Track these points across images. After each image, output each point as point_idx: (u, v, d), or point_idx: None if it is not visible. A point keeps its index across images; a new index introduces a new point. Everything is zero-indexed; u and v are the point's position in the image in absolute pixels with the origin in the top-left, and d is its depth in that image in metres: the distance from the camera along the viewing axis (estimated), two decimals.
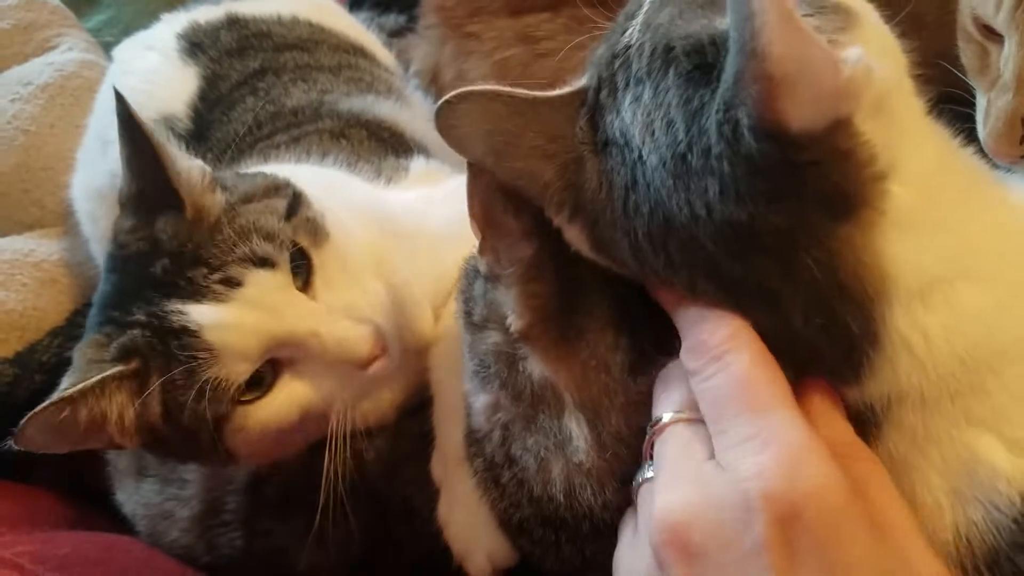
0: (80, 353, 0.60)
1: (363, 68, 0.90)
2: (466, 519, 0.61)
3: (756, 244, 0.41)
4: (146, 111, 0.84)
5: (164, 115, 0.83)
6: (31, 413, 0.55)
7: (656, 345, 0.48)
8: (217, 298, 0.56)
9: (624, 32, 0.46)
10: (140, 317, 0.57)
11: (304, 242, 0.60)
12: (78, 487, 0.85)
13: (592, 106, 0.47)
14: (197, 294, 0.57)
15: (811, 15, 0.41)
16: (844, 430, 0.43)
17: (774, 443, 0.39)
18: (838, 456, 0.39)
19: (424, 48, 0.92)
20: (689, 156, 0.42)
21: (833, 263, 0.41)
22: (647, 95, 0.43)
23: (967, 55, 0.57)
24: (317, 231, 0.61)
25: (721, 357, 0.42)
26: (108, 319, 0.59)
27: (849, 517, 0.38)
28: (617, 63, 0.46)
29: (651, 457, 0.45)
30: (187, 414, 0.56)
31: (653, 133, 0.43)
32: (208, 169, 0.62)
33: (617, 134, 0.45)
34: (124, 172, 0.61)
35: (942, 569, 0.41)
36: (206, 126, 0.82)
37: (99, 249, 0.90)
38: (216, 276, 0.57)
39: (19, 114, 0.98)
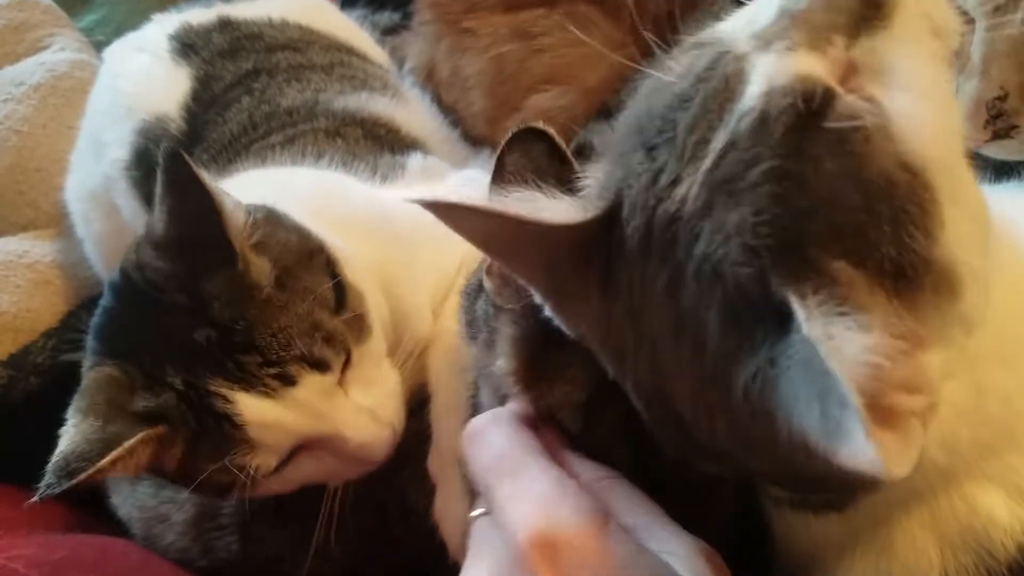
0: (95, 382, 0.58)
1: (356, 66, 0.90)
2: (461, 515, 0.61)
3: None
4: (138, 112, 0.84)
5: (156, 116, 0.83)
6: (68, 478, 0.55)
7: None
8: (268, 393, 0.56)
9: (675, 181, 0.36)
10: (176, 383, 0.56)
11: (351, 341, 0.60)
12: (75, 490, 0.85)
13: (606, 246, 0.39)
14: (247, 383, 0.56)
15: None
16: (593, 466, 0.47)
17: (529, 497, 0.44)
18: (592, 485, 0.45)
19: (419, 45, 0.91)
20: (716, 380, 0.36)
21: None
22: (686, 297, 0.36)
23: None
24: (362, 329, 0.62)
25: (480, 439, 0.48)
26: (129, 357, 0.58)
27: (601, 535, 0.42)
28: (657, 226, 0.37)
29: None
30: (206, 481, 0.57)
31: (679, 341, 0.37)
32: (245, 208, 0.60)
33: (635, 302, 0.38)
34: (161, 214, 0.58)
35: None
36: (201, 126, 0.82)
37: (93, 250, 0.90)
38: (272, 371, 0.57)
39: (11, 114, 0.98)
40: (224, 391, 0.56)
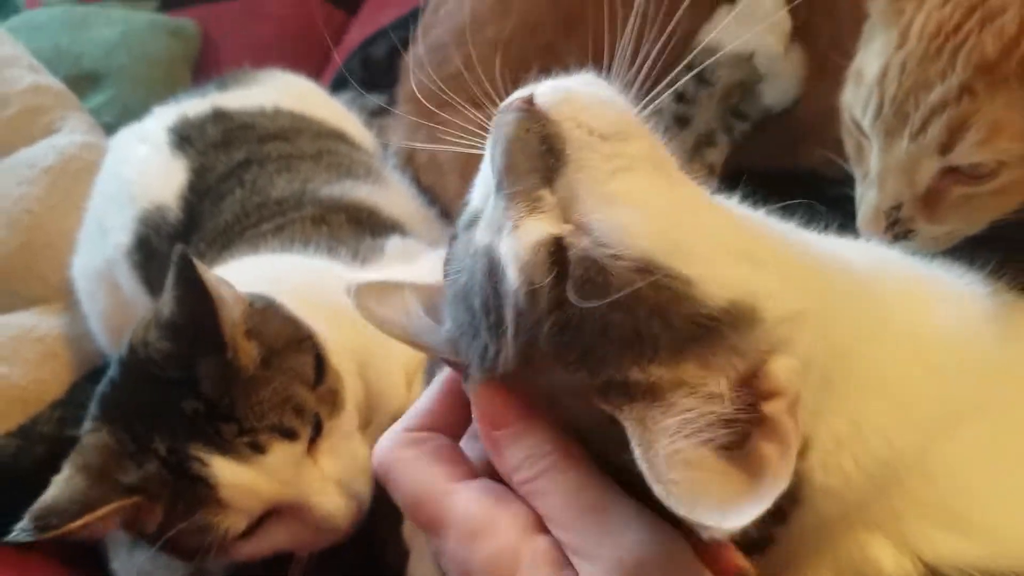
0: (90, 445, 0.65)
1: (342, 153, 0.96)
2: None
3: None
4: (139, 200, 0.90)
5: (156, 205, 0.89)
6: (42, 530, 0.63)
7: None
8: (239, 458, 0.63)
9: (496, 353, 0.41)
10: (160, 450, 0.63)
11: (323, 413, 0.67)
12: (77, 555, 0.89)
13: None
14: (223, 448, 0.63)
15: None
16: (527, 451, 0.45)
17: (442, 531, 0.43)
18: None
19: (400, 131, 0.98)
20: None
21: None
22: None
23: (848, 146, 0.62)
24: (336, 403, 0.68)
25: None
26: (123, 425, 0.65)
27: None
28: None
29: None
30: (180, 542, 0.63)
31: None
32: (240, 297, 0.68)
33: None
34: (168, 301, 0.66)
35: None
36: (197, 216, 0.88)
37: (98, 324, 0.96)
38: (245, 439, 0.63)
39: (25, 196, 1.04)
40: (202, 455, 0.62)
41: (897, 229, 0.58)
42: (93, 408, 0.69)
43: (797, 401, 0.38)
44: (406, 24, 1.18)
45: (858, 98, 0.58)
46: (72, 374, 0.95)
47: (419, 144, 0.87)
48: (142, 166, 0.92)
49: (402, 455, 0.45)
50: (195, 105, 0.97)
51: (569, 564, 0.39)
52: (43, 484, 0.88)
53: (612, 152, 0.41)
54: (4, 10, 1.62)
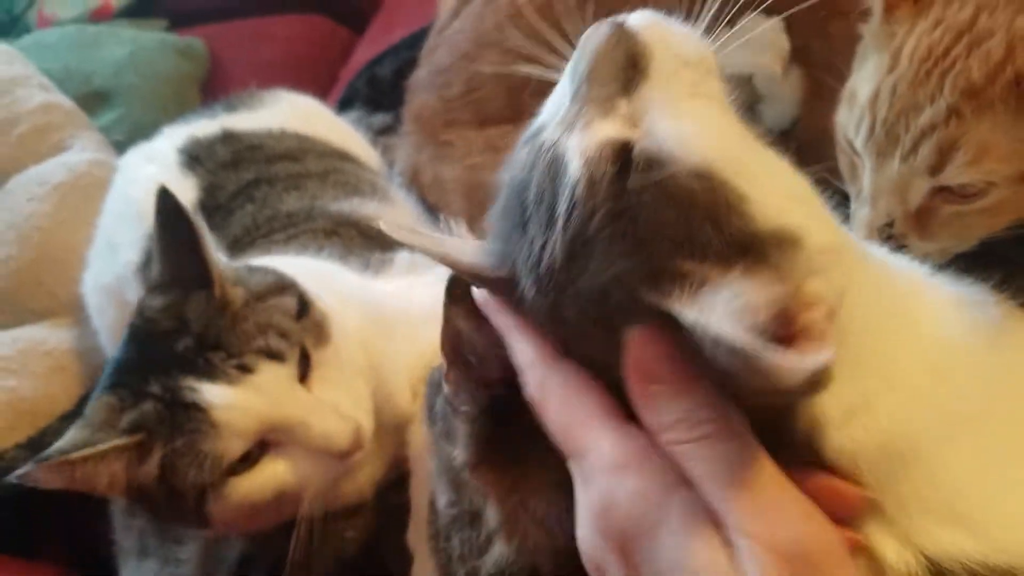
0: (93, 410, 0.66)
1: (348, 172, 0.97)
2: None
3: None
4: (149, 218, 0.91)
5: None
6: (39, 461, 0.62)
7: None
8: (229, 380, 0.64)
9: (543, 245, 0.42)
10: (155, 389, 0.64)
11: (309, 343, 0.67)
12: (84, 563, 0.91)
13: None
14: (212, 374, 0.64)
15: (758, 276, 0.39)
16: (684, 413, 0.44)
17: (593, 478, 0.43)
18: (666, 443, 0.41)
19: (405, 151, 1.00)
20: None
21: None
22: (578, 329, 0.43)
23: (842, 164, 0.63)
24: (320, 334, 0.68)
25: (543, 405, 0.45)
26: (124, 383, 0.66)
27: (664, 525, 0.40)
28: (542, 282, 0.43)
29: None
30: (180, 478, 0.62)
31: None
32: (228, 262, 0.70)
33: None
34: (159, 259, 0.68)
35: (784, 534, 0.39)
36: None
37: (107, 339, 0.97)
38: (232, 361, 0.64)
39: (35, 212, 1.06)
40: (193, 384, 0.63)
41: (891, 244, 0.59)
42: (99, 385, 0.70)
43: (833, 313, 0.39)
44: (412, 44, 1.21)
45: (851, 119, 0.60)
46: (81, 387, 0.96)
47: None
48: (151, 185, 0.93)
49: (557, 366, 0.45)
50: (204, 126, 0.99)
51: (713, 525, 0.39)
52: (51, 497, 0.90)
53: (692, 79, 0.44)
54: (15, 30, 1.64)
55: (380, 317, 0.77)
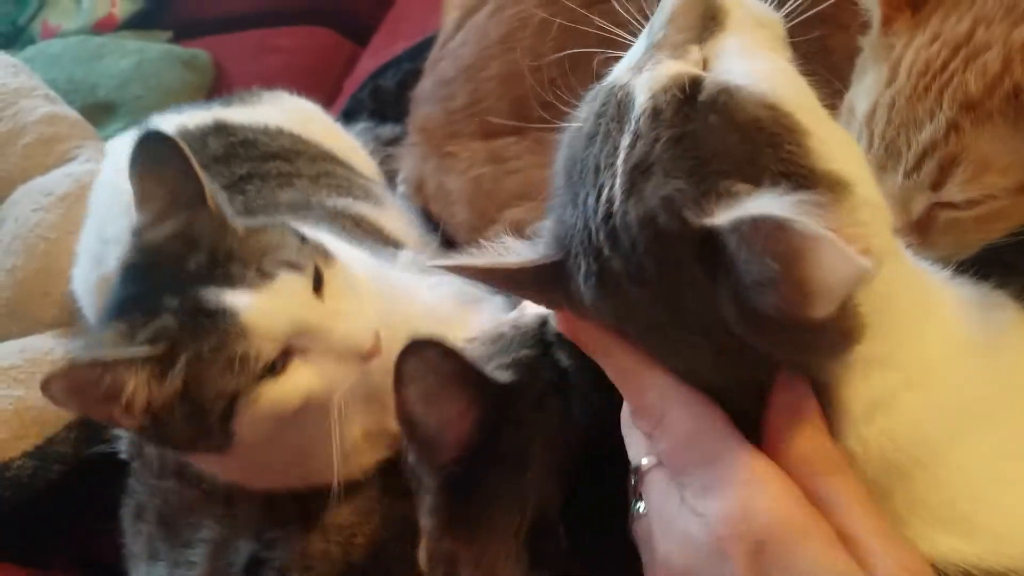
0: (99, 338, 0.65)
1: (340, 175, 0.97)
2: None
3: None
4: None
5: None
6: (64, 367, 0.61)
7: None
8: (252, 286, 0.64)
9: (599, 194, 0.43)
10: (172, 304, 0.63)
11: (319, 261, 0.69)
12: (91, 572, 0.91)
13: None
14: (232, 282, 0.64)
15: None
16: (812, 444, 0.44)
17: (728, 486, 0.43)
18: (805, 474, 0.43)
19: (410, 161, 1.01)
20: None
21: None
22: (639, 274, 0.43)
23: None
24: (327, 255, 0.70)
25: (661, 420, 0.45)
26: (130, 310, 0.65)
27: (808, 537, 0.42)
28: (596, 237, 0.44)
29: (639, 495, 0.49)
30: (208, 387, 0.62)
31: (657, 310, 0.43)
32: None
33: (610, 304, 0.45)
34: (148, 196, 0.69)
35: (913, 561, 0.42)
36: None
37: None
38: (252, 269, 0.64)
39: (40, 223, 1.06)
40: (214, 294, 0.63)
41: None
42: (97, 325, 0.70)
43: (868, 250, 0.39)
44: (414, 56, 1.22)
45: (850, 132, 0.60)
46: None
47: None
48: None
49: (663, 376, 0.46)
50: (196, 116, 0.97)
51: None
52: (59, 504, 0.91)
53: (766, 37, 0.47)
54: (20, 41, 1.65)
55: (388, 285, 0.78)
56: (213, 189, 0.69)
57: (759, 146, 0.41)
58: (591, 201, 0.44)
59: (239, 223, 0.69)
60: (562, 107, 0.83)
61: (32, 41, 1.63)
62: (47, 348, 0.99)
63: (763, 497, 0.42)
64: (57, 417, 0.93)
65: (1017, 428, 0.48)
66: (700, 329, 0.43)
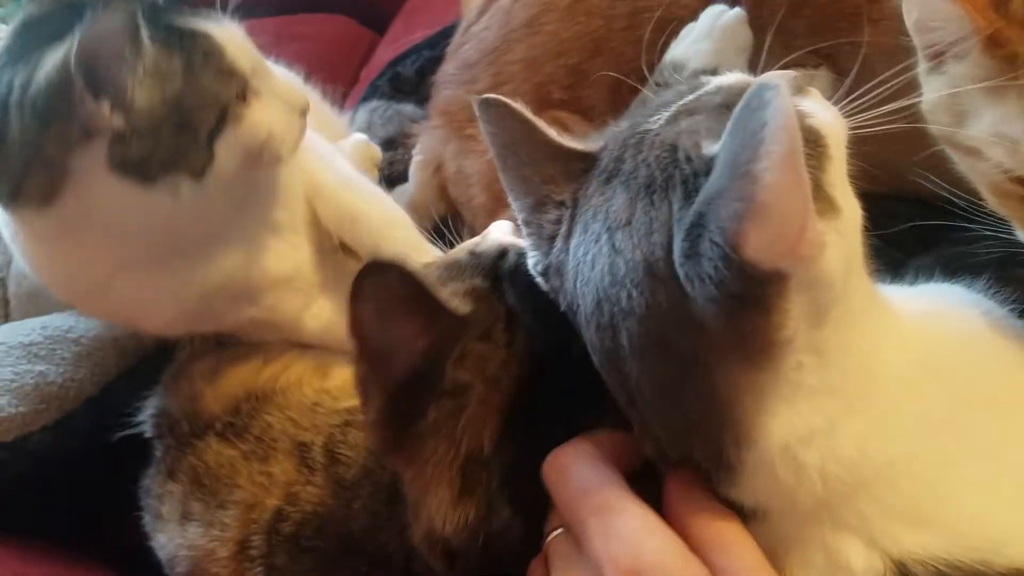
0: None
1: None
2: None
3: (668, 347, 0.46)
4: None
5: None
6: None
7: None
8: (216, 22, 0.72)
9: (650, 119, 0.50)
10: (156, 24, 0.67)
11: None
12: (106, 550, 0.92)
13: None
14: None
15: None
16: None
17: (615, 534, 0.47)
18: (688, 525, 0.48)
19: (429, 143, 1.01)
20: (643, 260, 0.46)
21: (718, 395, 0.46)
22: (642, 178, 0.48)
23: (1009, 209, 0.58)
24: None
25: (564, 472, 0.51)
26: None
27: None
28: (628, 140, 0.50)
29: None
30: (200, 95, 0.68)
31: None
32: None
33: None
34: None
35: None
36: None
37: None
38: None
39: None
40: (187, 21, 0.70)
41: None
42: None
43: (820, 247, 0.44)
44: (432, 45, 1.23)
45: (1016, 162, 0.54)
46: (107, 374, 0.97)
47: None
48: None
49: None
50: None
51: None
52: (76, 480, 0.91)
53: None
54: None
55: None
56: None
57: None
58: (640, 120, 0.51)
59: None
60: (583, 92, 0.84)
61: None
62: (67, 325, 0.99)
63: (649, 544, 0.46)
64: (77, 394, 0.94)
65: (975, 430, 0.49)
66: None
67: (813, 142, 0.46)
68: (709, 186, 0.43)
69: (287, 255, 0.83)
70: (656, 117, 0.50)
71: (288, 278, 0.84)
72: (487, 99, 0.54)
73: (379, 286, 0.54)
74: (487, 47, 0.92)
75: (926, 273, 0.60)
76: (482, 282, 0.60)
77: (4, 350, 0.93)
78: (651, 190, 0.46)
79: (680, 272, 0.44)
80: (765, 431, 0.46)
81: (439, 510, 0.56)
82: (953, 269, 0.60)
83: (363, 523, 0.69)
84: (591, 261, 0.48)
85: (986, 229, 0.60)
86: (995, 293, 0.56)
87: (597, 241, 0.48)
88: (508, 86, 0.90)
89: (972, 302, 0.56)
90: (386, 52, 1.36)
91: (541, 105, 0.88)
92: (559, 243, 0.52)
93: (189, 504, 0.78)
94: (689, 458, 0.49)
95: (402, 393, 0.56)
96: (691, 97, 0.50)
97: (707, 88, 0.51)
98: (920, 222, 0.70)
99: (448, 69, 0.97)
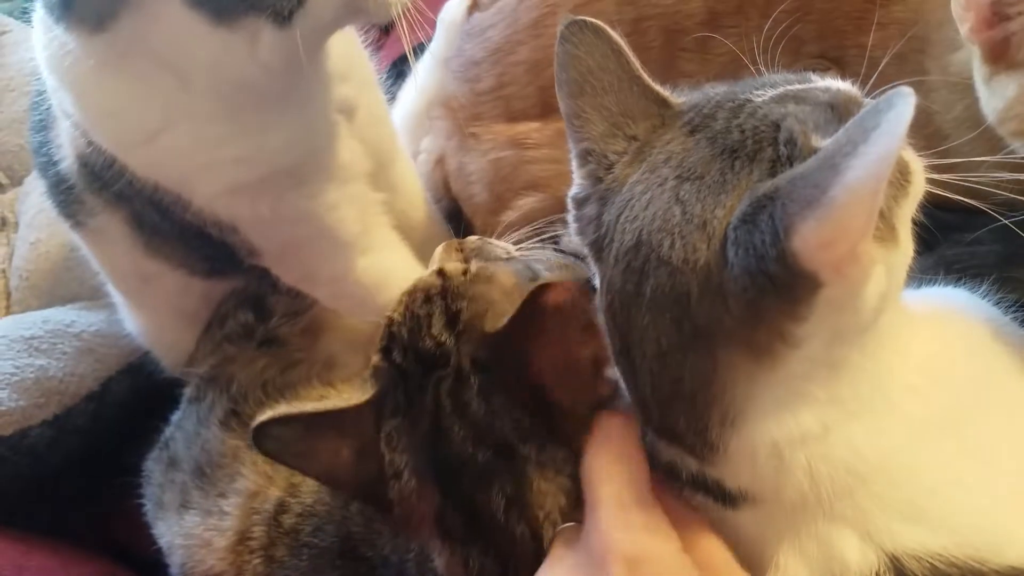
0: None
1: None
2: None
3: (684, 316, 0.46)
4: None
5: None
6: None
7: None
8: None
9: (752, 91, 0.50)
10: None
11: None
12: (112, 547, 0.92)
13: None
14: None
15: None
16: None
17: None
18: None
19: (433, 136, 1.00)
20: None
21: (715, 373, 0.46)
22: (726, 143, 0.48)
23: None
24: None
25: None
26: None
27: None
28: (723, 104, 0.50)
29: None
30: None
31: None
32: None
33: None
34: None
35: None
36: None
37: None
38: None
39: None
40: None
41: None
42: None
43: (864, 264, 0.44)
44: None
45: None
46: (108, 369, 0.98)
47: None
48: None
49: None
50: None
51: None
52: (75, 474, 0.91)
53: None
54: None
55: None
56: None
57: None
58: (740, 89, 0.50)
59: None
60: None
61: None
62: (69, 320, 1.00)
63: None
64: (77, 389, 0.94)
65: (975, 432, 0.50)
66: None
67: (901, 173, 0.47)
68: (799, 168, 0.43)
69: (359, 158, 0.78)
70: (761, 92, 0.50)
71: (355, 179, 0.78)
72: (580, 20, 0.53)
73: (276, 438, 0.58)
74: (492, 46, 0.92)
75: (930, 274, 0.60)
76: (380, 360, 0.60)
77: (5, 343, 0.94)
78: (736, 155, 0.46)
79: (731, 235, 0.44)
80: (754, 423, 0.47)
81: (440, 559, 0.59)
82: (955, 271, 0.61)
83: (361, 527, 0.69)
84: (647, 201, 0.47)
85: (987, 230, 0.60)
86: (997, 296, 0.57)
87: (661, 184, 0.47)
88: (511, 87, 0.90)
89: (975, 307, 0.56)
90: (389, 52, 1.35)
91: (545, 109, 0.88)
92: (616, 171, 0.51)
93: (189, 492, 0.79)
94: (670, 429, 0.49)
95: (367, 490, 0.60)
96: (799, 86, 0.50)
97: (817, 84, 0.50)
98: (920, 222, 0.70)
99: (452, 66, 0.97)
